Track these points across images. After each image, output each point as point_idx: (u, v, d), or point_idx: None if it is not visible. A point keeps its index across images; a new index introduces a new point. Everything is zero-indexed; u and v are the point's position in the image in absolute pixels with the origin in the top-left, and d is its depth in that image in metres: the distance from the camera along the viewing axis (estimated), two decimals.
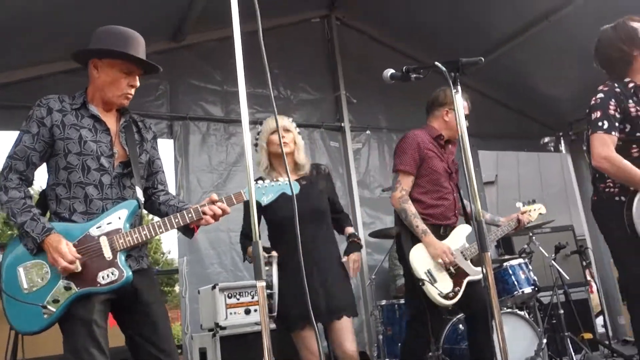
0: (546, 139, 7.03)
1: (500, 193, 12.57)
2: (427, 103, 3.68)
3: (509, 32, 5.88)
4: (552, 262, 4.86)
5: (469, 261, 3.42)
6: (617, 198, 2.85)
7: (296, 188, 2.60)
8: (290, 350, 3.15)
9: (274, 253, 2.91)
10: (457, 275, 3.36)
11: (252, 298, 4.12)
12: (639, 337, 2.91)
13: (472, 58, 2.30)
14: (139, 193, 2.40)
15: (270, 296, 2.75)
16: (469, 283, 3.37)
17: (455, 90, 2.25)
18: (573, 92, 6.27)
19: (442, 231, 3.45)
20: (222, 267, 5.01)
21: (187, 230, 2.50)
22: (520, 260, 4.50)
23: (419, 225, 3.30)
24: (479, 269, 3.40)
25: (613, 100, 2.83)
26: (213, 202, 2.40)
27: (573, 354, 4.55)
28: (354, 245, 3.21)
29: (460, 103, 2.25)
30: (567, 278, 4.93)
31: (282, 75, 5.71)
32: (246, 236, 3.14)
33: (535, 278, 4.44)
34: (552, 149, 7.22)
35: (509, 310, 4.23)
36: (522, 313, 4.24)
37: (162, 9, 4.71)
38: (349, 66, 6.04)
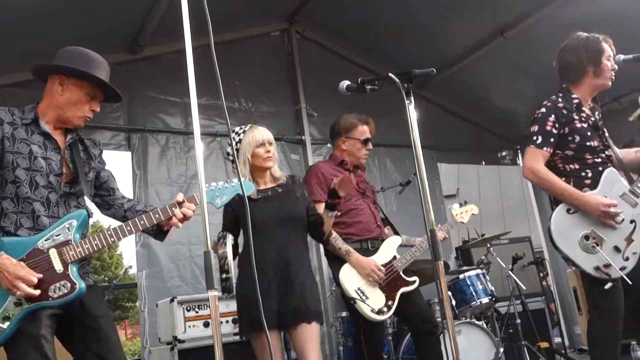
0: (504, 152, 7.20)
1: None
2: (330, 131, 3.78)
3: (466, 47, 6.03)
4: (510, 272, 4.95)
5: (401, 272, 3.41)
6: None
7: (250, 188, 2.57)
8: None
9: (229, 235, 2.79)
10: (389, 288, 3.33)
11: None
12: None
13: (424, 69, 2.32)
14: (88, 203, 2.35)
15: (226, 280, 2.60)
16: (404, 295, 3.35)
17: (408, 102, 2.28)
18: (529, 106, 6.39)
19: (370, 246, 3.45)
20: (182, 281, 4.94)
21: (160, 233, 2.45)
22: (478, 271, 4.57)
23: (342, 247, 3.32)
24: (413, 279, 3.42)
25: (553, 116, 2.97)
26: (179, 204, 2.35)
27: None
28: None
29: (414, 113, 2.28)
30: (524, 288, 5.02)
31: (243, 88, 5.70)
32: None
33: (493, 288, 4.51)
34: (509, 162, 7.39)
35: (467, 320, 4.28)
36: (479, 323, 4.30)
37: (117, 21, 4.68)
38: (310, 79, 6.07)
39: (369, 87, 2.56)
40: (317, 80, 6.08)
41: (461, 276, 4.51)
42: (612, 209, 2.83)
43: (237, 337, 3.94)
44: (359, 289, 3.27)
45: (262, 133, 3.09)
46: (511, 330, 4.80)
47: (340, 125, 3.66)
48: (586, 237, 2.85)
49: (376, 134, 6.29)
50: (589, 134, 2.99)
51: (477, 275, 4.52)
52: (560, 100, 3.03)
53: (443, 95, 6.98)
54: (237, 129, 3.14)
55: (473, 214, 3.95)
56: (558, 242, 2.88)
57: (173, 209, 2.32)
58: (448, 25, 5.73)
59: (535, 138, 2.97)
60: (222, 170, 5.38)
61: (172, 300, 3.99)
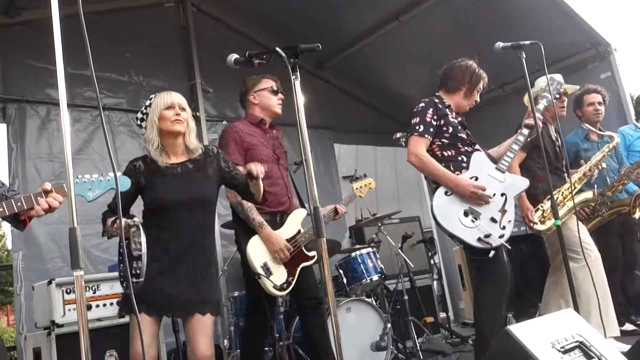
0: (398, 135, 7.36)
1: None
2: (239, 100, 3.75)
3: (363, 30, 6.12)
4: (399, 251, 5.11)
5: (303, 247, 3.46)
6: None
7: (126, 184, 2.40)
8: None
9: (136, 218, 2.65)
10: (291, 264, 3.38)
11: (94, 293, 3.88)
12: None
13: (310, 45, 2.30)
14: None
15: (138, 258, 2.51)
16: (302, 271, 3.41)
17: (294, 77, 2.25)
18: (421, 90, 6.55)
19: (279, 219, 3.46)
20: (65, 262, 4.63)
21: (19, 223, 2.25)
22: (369, 250, 4.67)
23: (256, 217, 3.29)
24: (312, 253, 3.47)
25: (431, 109, 3.36)
26: (46, 193, 2.17)
27: (415, 336, 4.82)
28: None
29: (299, 89, 2.25)
30: (412, 266, 5.22)
31: (134, 60, 5.42)
32: (111, 210, 2.83)
33: (383, 266, 4.64)
34: (403, 144, 7.58)
35: (357, 297, 4.38)
36: (369, 300, 4.41)
37: None
38: (206, 54, 5.86)
39: (257, 61, 2.50)
40: (213, 56, 5.86)
41: (353, 254, 4.60)
42: (479, 192, 3.15)
43: (122, 320, 3.81)
44: (265, 264, 3.29)
45: (173, 96, 2.89)
46: (399, 307, 4.98)
47: (246, 84, 3.63)
48: (465, 214, 3.17)
49: None
50: (459, 127, 3.41)
51: (368, 253, 4.62)
52: (436, 100, 3.45)
53: (341, 76, 7.03)
54: (151, 96, 2.94)
55: (370, 188, 4.15)
56: (442, 222, 3.16)
57: (38, 198, 2.14)
58: (347, 5, 5.75)
59: (417, 127, 3.31)
60: (110, 145, 5.11)
61: (49, 282, 3.75)
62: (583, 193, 4.22)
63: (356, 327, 4.24)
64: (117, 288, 3.88)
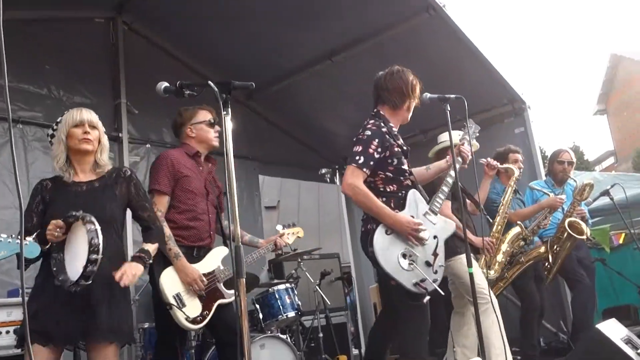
0: (323, 170, 7.44)
1: (281, 218, 13.00)
2: (172, 128, 3.71)
3: (296, 65, 6.16)
4: (317, 287, 5.11)
5: (221, 284, 3.39)
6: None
7: (35, 251, 2.35)
8: None
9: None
10: (208, 298, 3.30)
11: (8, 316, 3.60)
12: None
13: (243, 82, 2.28)
14: None
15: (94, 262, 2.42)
16: (219, 306, 3.33)
17: (225, 112, 2.22)
18: (348, 129, 6.73)
19: (195, 253, 3.38)
20: None
21: None
22: (288, 285, 4.65)
23: (172, 248, 3.21)
24: (231, 292, 3.40)
25: (377, 140, 3.13)
26: None
27: None
28: (134, 258, 2.80)
29: (229, 124, 2.22)
30: (329, 303, 5.22)
31: (55, 73, 5.16)
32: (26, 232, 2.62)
33: (300, 303, 4.61)
34: (328, 180, 7.67)
35: (271, 334, 4.31)
36: (283, 337, 4.35)
37: None
38: (134, 74, 5.67)
39: (188, 92, 2.44)
40: (142, 76, 5.67)
41: (270, 290, 4.56)
42: (419, 233, 3.03)
43: (18, 351, 3.54)
44: (177, 295, 3.18)
45: (83, 113, 2.80)
46: (313, 344, 4.95)
47: (182, 116, 3.57)
48: (403, 255, 3.02)
49: None
50: (402, 158, 3.24)
51: (286, 289, 4.59)
52: (383, 125, 3.23)
53: (271, 108, 7.05)
54: (65, 112, 2.85)
55: (298, 237, 4.04)
56: (382, 262, 2.98)
57: None
58: (282, 40, 5.79)
59: (357, 158, 3.09)
60: (21, 161, 4.82)
61: None
62: (510, 231, 4.53)
63: None
64: (16, 315, 3.62)
